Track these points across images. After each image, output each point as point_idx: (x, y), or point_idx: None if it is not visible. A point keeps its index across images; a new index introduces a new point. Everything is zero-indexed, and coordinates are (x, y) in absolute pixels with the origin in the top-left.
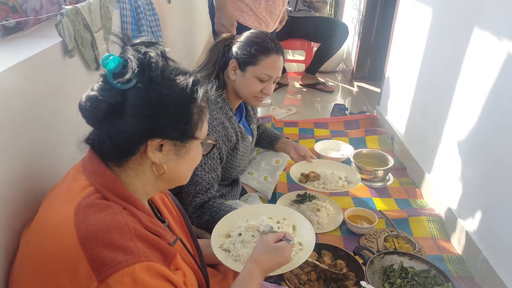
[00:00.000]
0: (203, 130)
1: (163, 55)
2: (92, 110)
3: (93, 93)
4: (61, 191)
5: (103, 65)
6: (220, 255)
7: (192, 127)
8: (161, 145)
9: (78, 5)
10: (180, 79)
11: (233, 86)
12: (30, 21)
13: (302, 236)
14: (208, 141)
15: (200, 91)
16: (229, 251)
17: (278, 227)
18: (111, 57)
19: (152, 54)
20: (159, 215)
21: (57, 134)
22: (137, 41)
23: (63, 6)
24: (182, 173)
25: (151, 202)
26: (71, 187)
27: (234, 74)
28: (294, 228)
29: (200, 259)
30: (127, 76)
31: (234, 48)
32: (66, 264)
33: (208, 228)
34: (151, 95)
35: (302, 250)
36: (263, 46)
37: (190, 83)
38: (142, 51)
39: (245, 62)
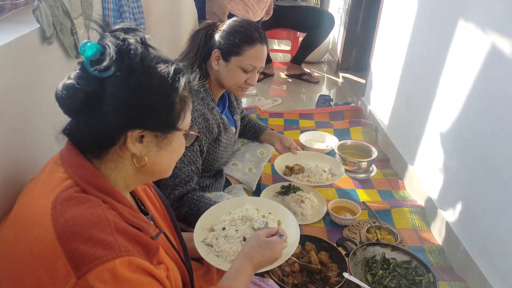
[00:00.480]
0: (185, 121)
1: (143, 42)
2: (68, 99)
3: (69, 81)
4: (39, 184)
5: (81, 52)
6: (202, 250)
7: (174, 117)
8: (142, 136)
9: None
10: (161, 67)
11: (216, 76)
12: (6, 6)
13: (287, 232)
14: (191, 132)
15: (182, 80)
16: (212, 246)
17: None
18: (89, 43)
19: (132, 40)
20: (142, 207)
21: (35, 125)
22: (116, 27)
23: None
24: (164, 165)
25: (133, 194)
26: (49, 179)
27: (217, 64)
28: (279, 223)
29: (184, 253)
30: (105, 64)
31: (217, 37)
32: (43, 259)
33: (187, 221)
34: (130, 83)
35: (286, 247)
36: (247, 36)
37: (172, 72)
38: (121, 37)
39: (228, 52)
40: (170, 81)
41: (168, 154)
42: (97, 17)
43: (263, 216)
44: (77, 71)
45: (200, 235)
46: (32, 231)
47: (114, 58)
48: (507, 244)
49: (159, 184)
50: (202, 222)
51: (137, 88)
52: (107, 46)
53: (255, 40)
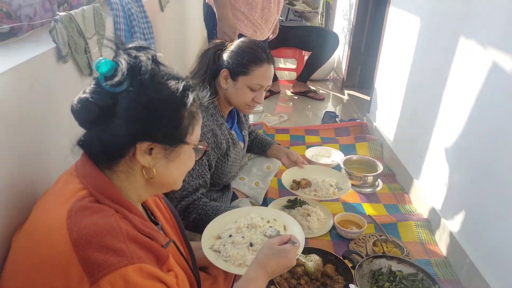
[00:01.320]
0: (194, 135)
1: (154, 59)
2: (83, 112)
3: (84, 95)
4: (54, 194)
5: (96, 68)
6: (211, 256)
7: (182, 131)
8: (151, 149)
9: (72, 12)
10: (171, 83)
11: (224, 94)
12: (24, 27)
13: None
14: (200, 146)
15: (191, 96)
16: (220, 252)
17: (270, 227)
18: (103, 60)
19: (143, 58)
20: (152, 217)
21: (51, 138)
22: (130, 45)
23: (57, 12)
24: (173, 178)
25: (144, 205)
26: (64, 190)
27: (225, 83)
28: (284, 228)
29: (192, 262)
30: (117, 79)
31: (225, 57)
32: (58, 267)
33: (196, 227)
34: (141, 98)
35: None
36: (255, 56)
37: (181, 88)
38: (133, 54)
39: (236, 72)
40: (179, 96)
41: (176, 166)
42: (111, 35)
43: (268, 222)
44: (92, 86)
45: (208, 243)
46: (48, 240)
47: (125, 74)
48: None
49: (167, 197)
50: (209, 231)
51: (147, 102)
52: (119, 63)
53: (262, 60)
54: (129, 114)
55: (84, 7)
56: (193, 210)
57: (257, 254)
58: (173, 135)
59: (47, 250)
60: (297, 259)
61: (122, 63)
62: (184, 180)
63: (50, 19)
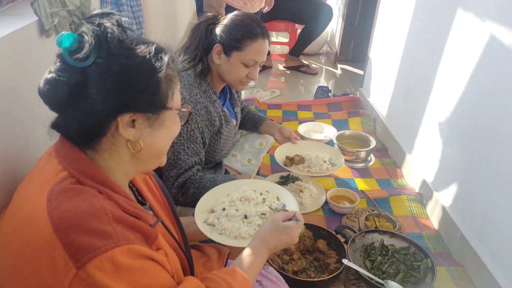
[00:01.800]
0: (175, 99)
1: (120, 24)
2: (52, 94)
3: (51, 75)
4: (34, 177)
5: (58, 43)
6: (205, 230)
7: (162, 97)
8: (133, 121)
9: None
10: (142, 48)
11: (217, 70)
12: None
13: (287, 208)
14: (183, 109)
15: (165, 59)
16: (214, 226)
17: (264, 199)
18: (65, 33)
19: (108, 24)
20: (139, 198)
21: (34, 117)
22: (91, 13)
23: None
24: (160, 146)
25: (131, 185)
26: (44, 172)
27: (218, 59)
28: (278, 199)
29: (184, 242)
30: (84, 51)
31: (218, 31)
32: (42, 253)
33: (196, 201)
34: (113, 68)
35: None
36: (249, 31)
37: (153, 51)
38: (97, 22)
39: (230, 47)
40: (152, 60)
41: (162, 134)
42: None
43: (261, 194)
44: (57, 63)
45: (201, 217)
46: (29, 225)
47: (92, 44)
48: (504, 230)
49: (162, 177)
50: (201, 205)
51: (120, 71)
52: (84, 34)
53: (257, 35)
54: (103, 87)
55: None
56: (190, 185)
57: (260, 228)
58: (153, 101)
59: (29, 235)
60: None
61: (86, 34)
62: (179, 159)
63: None
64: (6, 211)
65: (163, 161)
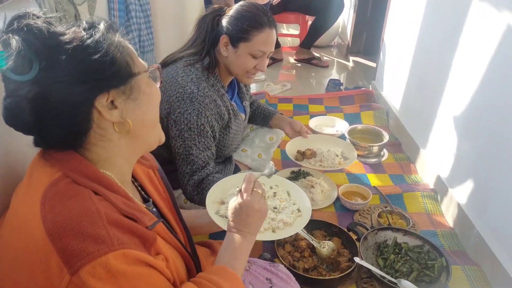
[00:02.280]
0: (137, 63)
1: (39, 17)
2: (18, 118)
3: (8, 100)
4: (28, 182)
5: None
6: (219, 221)
7: (122, 65)
8: (112, 102)
9: None
10: (75, 28)
11: (224, 63)
12: None
13: (298, 202)
14: (151, 68)
15: (100, 27)
16: (226, 217)
17: (274, 193)
18: None
19: (30, 22)
20: (143, 193)
21: None
22: (7, 22)
23: None
24: (149, 115)
25: (134, 181)
26: (37, 175)
27: (225, 50)
28: (288, 194)
29: (188, 239)
30: (26, 65)
31: (224, 23)
32: (36, 257)
33: None
34: (60, 61)
35: (300, 217)
36: (256, 21)
37: (86, 27)
38: (15, 26)
39: (237, 38)
40: (91, 35)
41: (146, 101)
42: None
43: (271, 188)
44: (8, 85)
45: (213, 208)
46: (24, 230)
47: (22, 51)
48: None
49: (174, 172)
50: (211, 197)
51: (67, 61)
52: (14, 48)
53: (264, 25)
54: (63, 83)
55: None
56: (207, 186)
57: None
58: (117, 73)
59: (24, 241)
60: (298, 235)
61: (16, 46)
62: (192, 154)
63: None
64: (4, 217)
65: (161, 135)
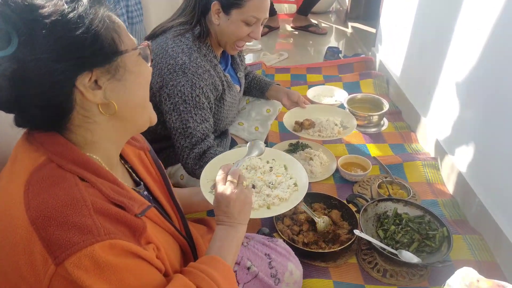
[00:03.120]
0: (126, 41)
1: None
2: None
3: None
4: (11, 166)
5: None
6: (212, 199)
7: (107, 42)
8: (95, 82)
9: None
10: (53, 2)
11: (216, 31)
12: None
13: (295, 175)
14: (141, 46)
15: (82, 5)
16: None
17: (271, 167)
18: None
19: None
20: (135, 176)
21: None
22: None
23: None
24: (137, 96)
25: (123, 163)
26: (21, 159)
27: (217, 18)
28: (285, 167)
29: (183, 223)
30: (5, 39)
31: None
32: (19, 246)
33: None
34: (39, 36)
35: (297, 191)
36: None
37: (63, 2)
38: None
39: (229, 4)
40: (71, 9)
41: (133, 82)
42: None
43: (268, 162)
44: None
45: (207, 186)
46: (6, 217)
47: (9, 27)
48: None
49: (170, 147)
50: (207, 174)
51: (46, 37)
52: None
53: None
54: (41, 59)
55: None
56: (209, 159)
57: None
58: (100, 51)
59: (6, 228)
60: (298, 207)
61: None
62: (189, 127)
63: None
64: None
65: (152, 117)
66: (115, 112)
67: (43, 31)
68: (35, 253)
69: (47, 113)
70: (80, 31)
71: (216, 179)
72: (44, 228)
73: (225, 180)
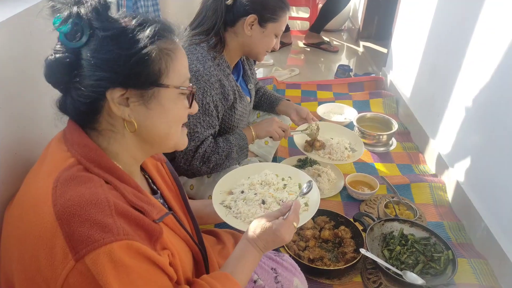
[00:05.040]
0: (173, 77)
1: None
2: (51, 73)
3: (50, 57)
4: (43, 162)
5: (56, 28)
6: (221, 212)
7: (153, 72)
8: (127, 99)
9: None
10: (124, 20)
11: (243, 43)
12: None
13: (308, 195)
14: (182, 87)
15: (148, 30)
16: (230, 208)
17: (284, 185)
18: (61, 19)
19: (93, 1)
20: (153, 185)
21: (45, 100)
22: None
23: None
24: (159, 129)
25: (144, 173)
26: (52, 158)
27: (250, 30)
28: (299, 186)
29: (196, 232)
30: (79, 34)
31: (246, 2)
32: (43, 240)
33: (221, 166)
34: (96, 42)
35: (307, 211)
36: (282, 2)
37: (135, 23)
38: (83, 1)
39: (266, 19)
40: (133, 31)
41: (160, 115)
42: None
43: (283, 180)
44: (57, 45)
45: (219, 198)
46: (34, 211)
47: (82, 22)
48: None
49: (180, 152)
50: (220, 186)
51: (101, 45)
52: (72, 15)
53: (287, 5)
54: (90, 62)
55: None
56: (210, 153)
57: (249, 227)
58: (141, 76)
59: (32, 222)
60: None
61: (75, 14)
62: (196, 132)
63: None
64: (15, 196)
65: (179, 142)
66: (135, 131)
67: (101, 42)
68: (57, 247)
69: (76, 106)
70: (130, 52)
71: (290, 216)
72: (68, 224)
73: (293, 221)
